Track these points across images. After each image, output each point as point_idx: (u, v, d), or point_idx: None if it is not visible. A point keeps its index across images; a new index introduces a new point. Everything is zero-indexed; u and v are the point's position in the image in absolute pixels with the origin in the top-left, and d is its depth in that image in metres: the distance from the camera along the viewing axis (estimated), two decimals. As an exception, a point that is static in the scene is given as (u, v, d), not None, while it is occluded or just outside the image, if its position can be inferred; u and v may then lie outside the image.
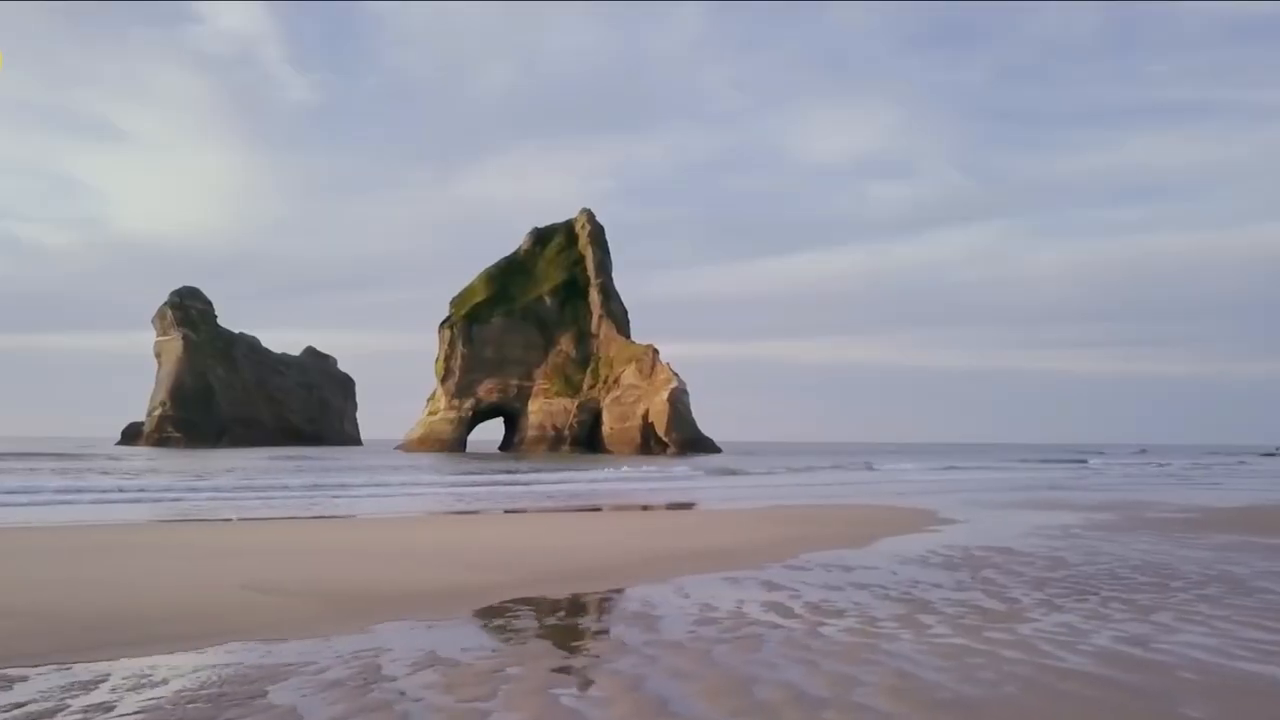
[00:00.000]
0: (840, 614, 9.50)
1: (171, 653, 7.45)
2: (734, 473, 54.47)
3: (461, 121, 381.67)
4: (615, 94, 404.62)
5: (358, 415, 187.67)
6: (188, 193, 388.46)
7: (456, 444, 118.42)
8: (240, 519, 21.47)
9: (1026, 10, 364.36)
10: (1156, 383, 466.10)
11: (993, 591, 11.00)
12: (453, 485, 38.74)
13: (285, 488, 34.69)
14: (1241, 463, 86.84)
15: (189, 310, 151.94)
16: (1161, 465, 78.39)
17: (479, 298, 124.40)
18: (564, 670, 7.01)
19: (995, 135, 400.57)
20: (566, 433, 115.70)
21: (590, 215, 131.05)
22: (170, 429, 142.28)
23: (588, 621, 8.99)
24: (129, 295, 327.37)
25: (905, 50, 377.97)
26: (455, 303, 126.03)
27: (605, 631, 8.50)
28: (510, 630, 8.47)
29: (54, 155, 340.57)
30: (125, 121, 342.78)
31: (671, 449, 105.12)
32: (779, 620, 9.12)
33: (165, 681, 6.55)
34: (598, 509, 26.36)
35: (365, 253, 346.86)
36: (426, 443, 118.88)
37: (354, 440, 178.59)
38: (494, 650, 7.63)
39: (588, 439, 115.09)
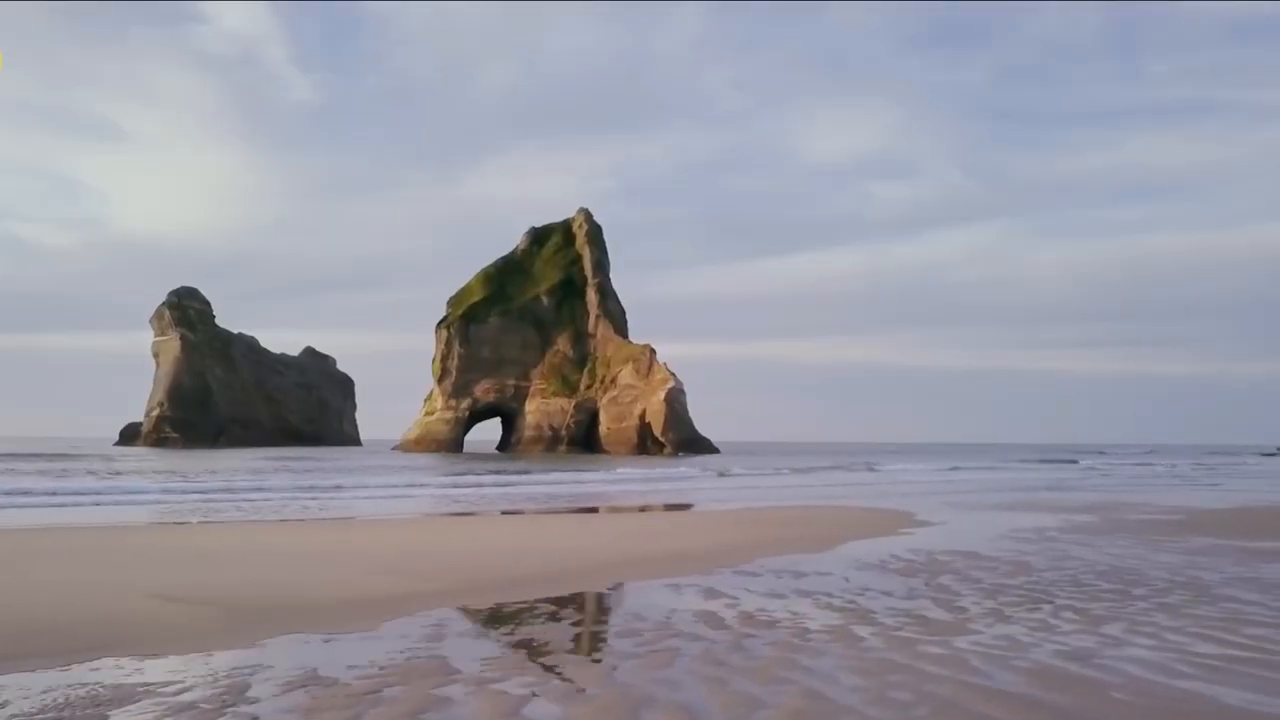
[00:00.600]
0: (772, 625, 8.99)
1: (34, 670, 6.95)
2: (726, 473, 53.96)
3: (462, 122, 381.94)
4: (616, 94, 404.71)
5: (358, 415, 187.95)
6: (189, 193, 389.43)
7: (453, 444, 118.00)
8: (201, 522, 20.98)
9: (1027, 10, 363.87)
10: (1158, 383, 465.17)
11: (943, 600, 10.47)
12: (436, 487, 38.24)
13: (268, 489, 34.19)
14: (1245, 463, 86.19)
15: (187, 310, 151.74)
16: (1165, 466, 77.78)
17: (476, 297, 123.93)
18: (446, 691, 6.51)
19: (996, 135, 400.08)
20: (563, 433, 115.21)
21: (588, 215, 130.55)
22: (168, 429, 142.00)
23: (497, 635, 8.48)
24: (130, 295, 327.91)
25: (906, 50, 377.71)
26: (452, 302, 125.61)
27: (512, 646, 7.99)
28: (408, 645, 7.95)
29: (55, 155, 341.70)
30: (127, 122, 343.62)
31: (668, 449, 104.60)
32: (704, 632, 8.61)
33: (6, 704, 6.05)
34: (572, 511, 25.85)
35: (366, 253, 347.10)
36: (423, 443, 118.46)
37: (353, 440, 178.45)
38: (381, 669, 7.12)
39: (585, 439, 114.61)
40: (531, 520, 22.80)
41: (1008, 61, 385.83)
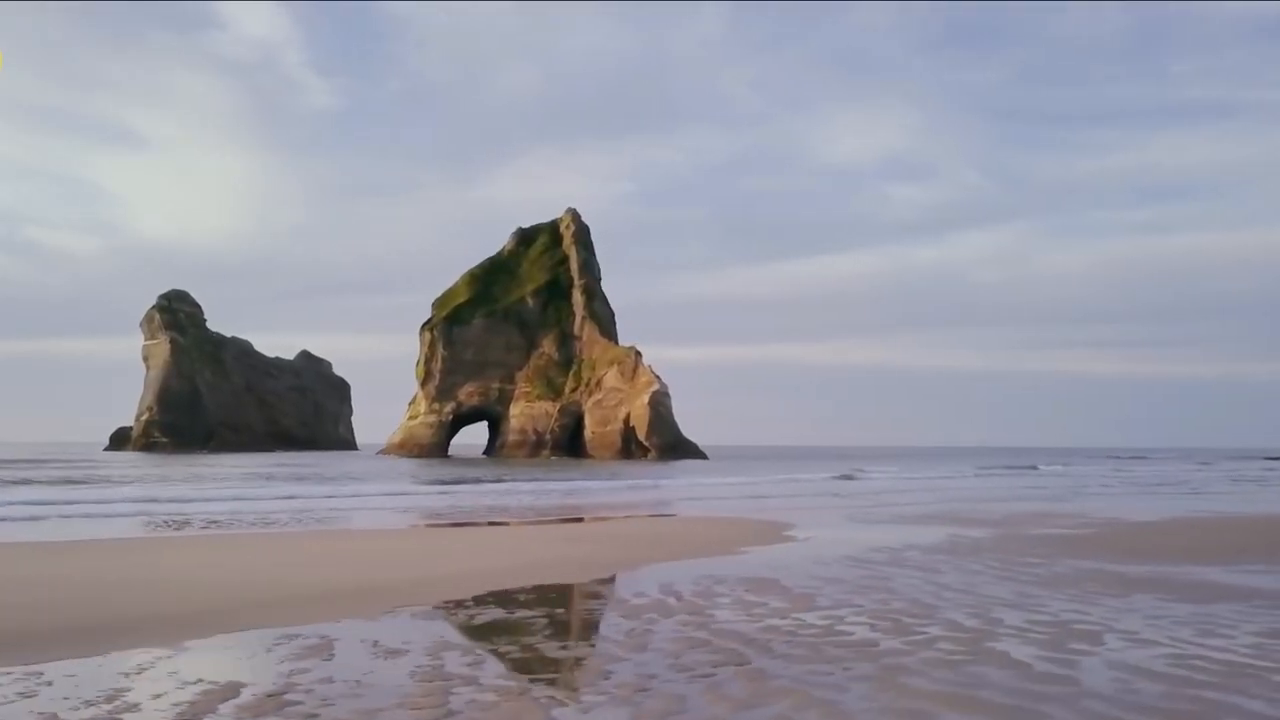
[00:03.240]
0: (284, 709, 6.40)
1: None
2: (668, 482, 51.36)
3: (479, 124, 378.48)
4: (633, 96, 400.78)
5: (362, 418, 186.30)
6: (207, 198, 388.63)
7: (436, 448, 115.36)
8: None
9: (1046, 10, 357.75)
10: (1180, 385, 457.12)
11: (598, 659, 7.84)
12: (322, 497, 34.70)
13: (188, 499, 31.63)
14: (1248, 468, 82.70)
15: (177, 314, 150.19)
16: (1170, 471, 74.56)
17: (460, 299, 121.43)
18: None
19: (1015, 136, 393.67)
20: (548, 437, 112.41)
21: (575, 215, 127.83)
22: (157, 434, 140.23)
23: None
24: (144, 298, 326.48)
25: (924, 51, 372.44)
26: (437, 304, 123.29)
27: None
28: None
29: (72, 159, 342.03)
30: (144, 126, 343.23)
31: (652, 454, 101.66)
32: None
33: None
34: (410, 526, 23.37)
35: (381, 257, 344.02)
36: (406, 447, 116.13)
37: (348, 444, 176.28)
38: None
39: (570, 443, 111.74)
40: (317, 538, 20.29)
41: (1027, 62, 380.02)
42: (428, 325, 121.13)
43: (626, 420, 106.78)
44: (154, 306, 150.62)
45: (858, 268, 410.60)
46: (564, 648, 8.27)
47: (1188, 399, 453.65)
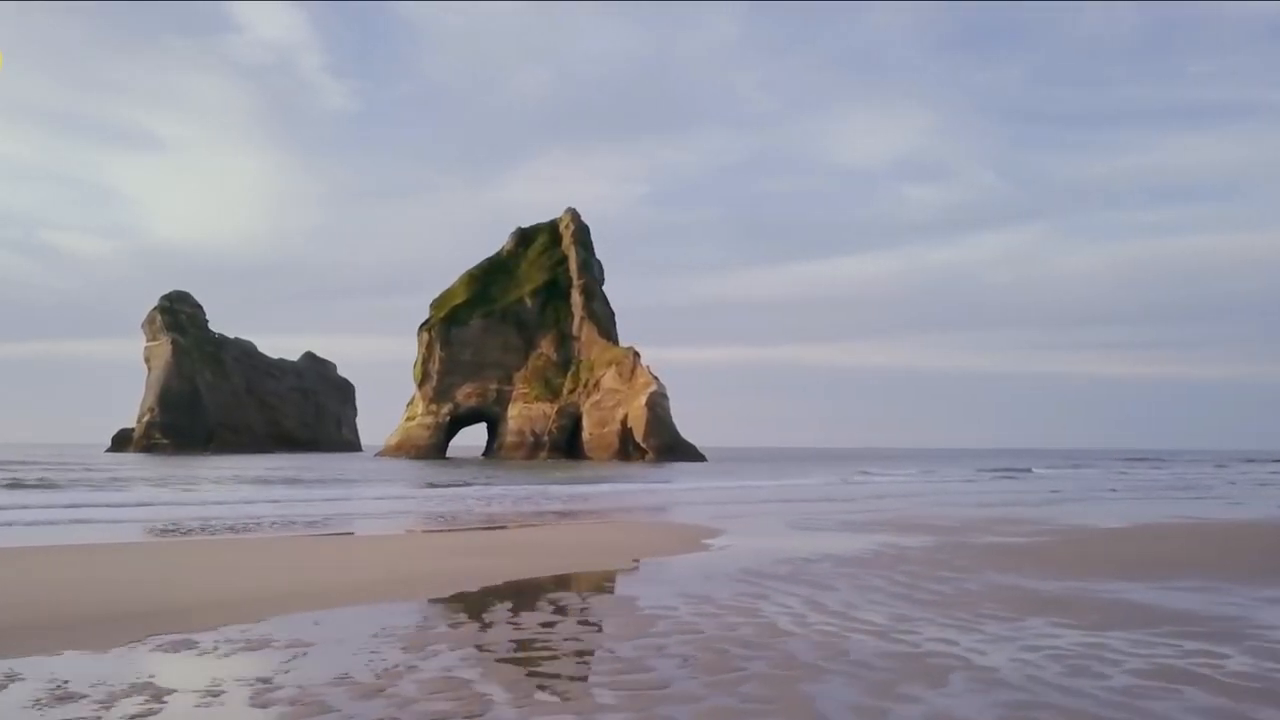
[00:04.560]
0: None
1: None
2: (650, 485, 49.94)
3: (494, 126, 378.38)
4: (648, 97, 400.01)
5: (369, 420, 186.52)
6: (221, 200, 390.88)
7: (434, 450, 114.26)
8: None
9: (1062, 10, 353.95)
10: (1194, 386, 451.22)
11: None
12: (302, 500, 33.39)
13: (120, 504, 30.35)
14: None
15: (178, 315, 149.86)
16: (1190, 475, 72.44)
17: (459, 299, 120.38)
18: None
19: (1030, 137, 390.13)
20: (546, 438, 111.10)
21: (575, 215, 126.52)
22: (157, 435, 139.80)
23: None
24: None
25: (939, 52, 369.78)
26: (435, 304, 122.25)
27: None
28: None
29: (89, 163, 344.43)
30: (161, 129, 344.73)
31: (650, 455, 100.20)
32: None
33: None
34: (308, 536, 22.05)
35: (396, 258, 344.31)
36: (404, 448, 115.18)
37: (352, 446, 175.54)
38: None
39: (568, 444, 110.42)
40: (196, 546, 18.95)
41: (1043, 62, 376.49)
42: (425, 326, 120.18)
43: (624, 421, 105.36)
44: (155, 308, 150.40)
45: (870, 269, 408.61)
46: (270, 695, 6.81)
47: (1199, 400, 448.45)
